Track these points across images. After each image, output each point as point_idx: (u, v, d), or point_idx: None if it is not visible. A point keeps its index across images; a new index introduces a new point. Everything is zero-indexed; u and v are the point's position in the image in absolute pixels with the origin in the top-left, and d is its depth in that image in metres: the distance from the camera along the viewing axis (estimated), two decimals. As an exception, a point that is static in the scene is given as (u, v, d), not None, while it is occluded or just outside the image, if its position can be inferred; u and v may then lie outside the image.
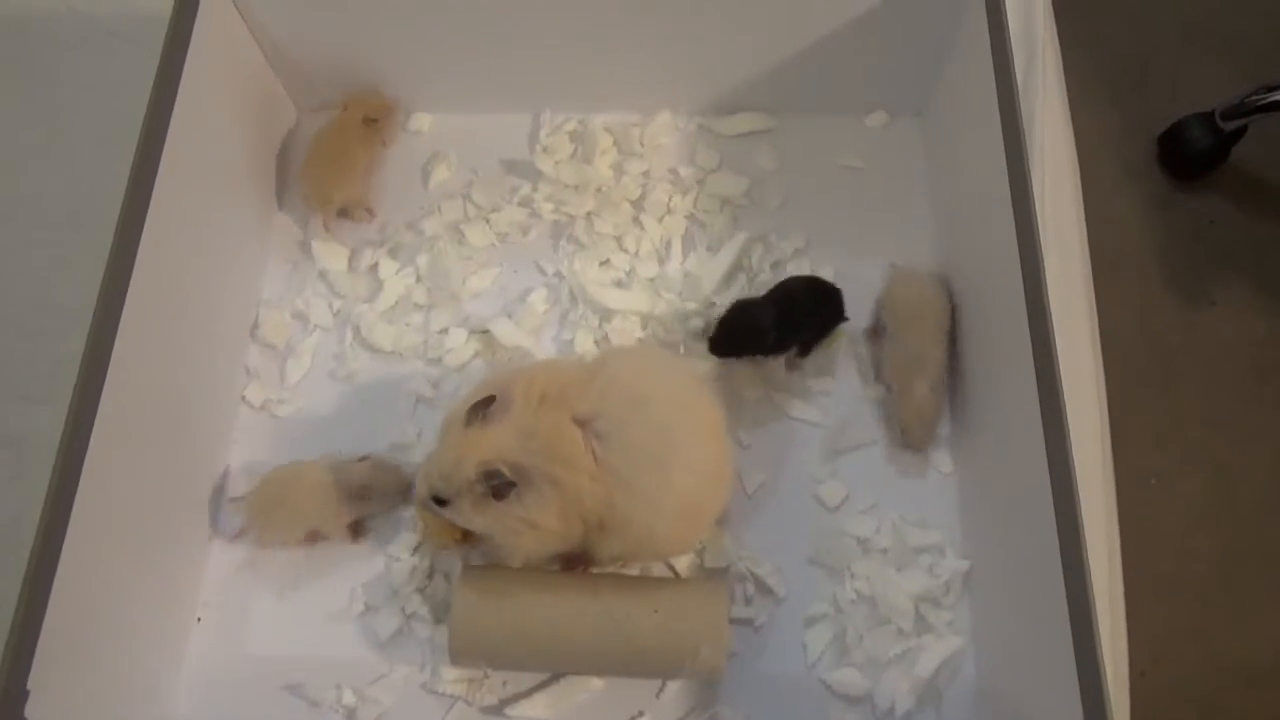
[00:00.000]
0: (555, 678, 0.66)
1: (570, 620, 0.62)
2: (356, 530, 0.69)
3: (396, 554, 0.69)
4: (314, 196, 0.78)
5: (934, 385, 0.70)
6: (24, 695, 0.51)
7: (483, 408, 0.59)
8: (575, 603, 0.62)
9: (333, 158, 0.78)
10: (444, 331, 0.76)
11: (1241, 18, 1.57)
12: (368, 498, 0.68)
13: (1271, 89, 1.37)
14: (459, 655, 0.62)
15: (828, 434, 0.72)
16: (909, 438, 0.70)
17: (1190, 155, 1.47)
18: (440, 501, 0.60)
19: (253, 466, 0.73)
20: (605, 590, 0.63)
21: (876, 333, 0.74)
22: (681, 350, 0.75)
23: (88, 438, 0.57)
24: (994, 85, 0.66)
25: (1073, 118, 0.84)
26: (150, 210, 0.62)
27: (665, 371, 0.63)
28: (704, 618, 0.61)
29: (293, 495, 0.67)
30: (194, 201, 0.68)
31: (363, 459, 0.69)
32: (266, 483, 0.68)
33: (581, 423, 0.59)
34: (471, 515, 0.60)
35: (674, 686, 0.66)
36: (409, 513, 0.70)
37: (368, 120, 0.79)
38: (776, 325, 0.68)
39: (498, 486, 0.57)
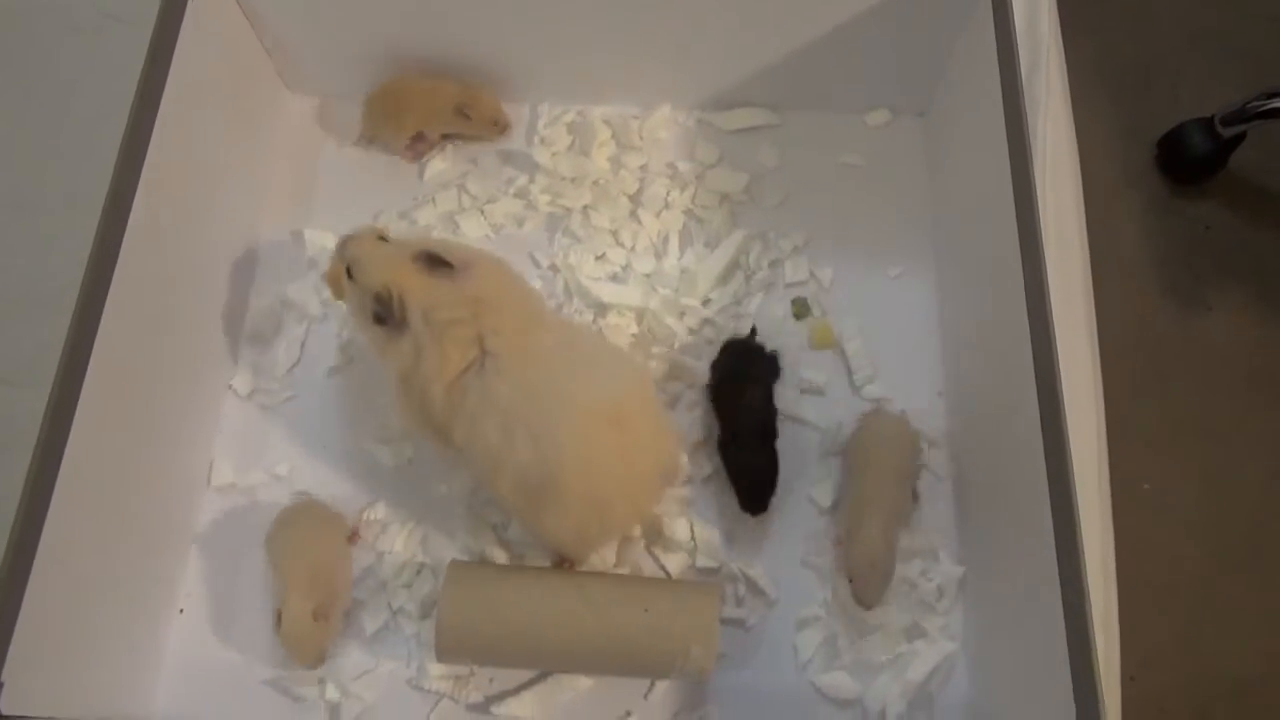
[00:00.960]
0: (542, 676, 0.65)
1: (559, 618, 0.61)
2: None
3: (384, 549, 0.68)
4: (388, 119, 0.78)
5: (886, 528, 0.63)
6: (-2, 687, 0.50)
7: (438, 263, 0.59)
8: (564, 601, 0.61)
9: (418, 89, 0.78)
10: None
11: (1244, 24, 1.57)
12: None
13: (1271, 95, 1.36)
14: (445, 652, 0.61)
15: (821, 436, 0.71)
16: (857, 589, 0.62)
17: (1189, 160, 1.46)
18: (350, 275, 0.61)
19: (238, 457, 0.71)
20: (595, 588, 0.62)
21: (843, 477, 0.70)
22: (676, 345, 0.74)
23: (69, 424, 0.56)
24: (999, 86, 0.65)
25: (1073, 120, 0.83)
26: (137, 193, 0.61)
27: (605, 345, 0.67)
28: (695, 618, 0.60)
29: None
30: (183, 185, 0.67)
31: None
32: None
33: (482, 345, 0.58)
34: (354, 310, 0.62)
35: (662, 687, 0.65)
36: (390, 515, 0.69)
37: (460, 109, 0.78)
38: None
39: (378, 313, 0.59)
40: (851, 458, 0.68)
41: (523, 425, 0.56)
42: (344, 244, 0.63)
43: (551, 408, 0.56)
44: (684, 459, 0.70)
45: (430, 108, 0.78)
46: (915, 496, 0.68)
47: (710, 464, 0.70)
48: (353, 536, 0.68)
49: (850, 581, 0.63)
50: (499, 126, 0.80)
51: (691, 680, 0.64)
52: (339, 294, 0.65)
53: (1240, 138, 1.43)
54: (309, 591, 0.61)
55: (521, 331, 0.59)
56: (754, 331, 0.71)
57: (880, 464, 0.66)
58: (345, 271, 0.62)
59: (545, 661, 0.64)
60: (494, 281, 0.60)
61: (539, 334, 0.59)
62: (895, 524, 0.64)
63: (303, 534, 0.65)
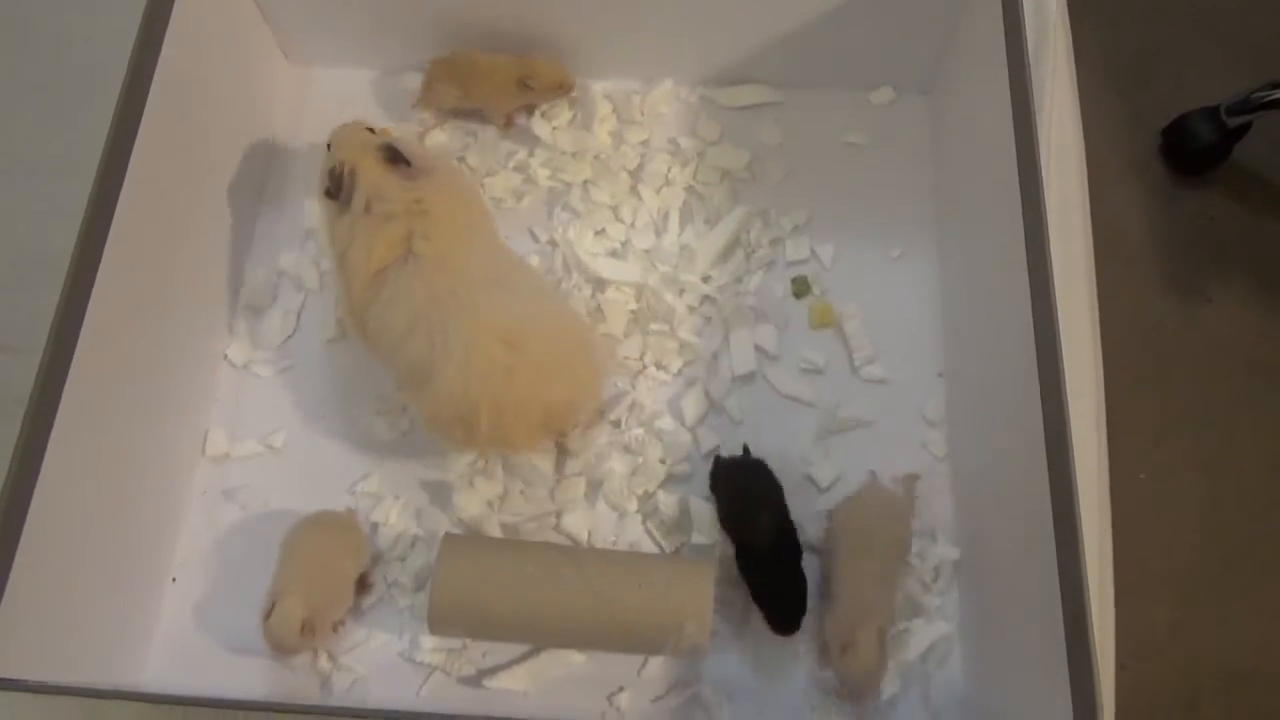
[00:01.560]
0: (535, 651, 0.65)
1: (552, 593, 0.60)
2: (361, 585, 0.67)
3: (380, 519, 0.68)
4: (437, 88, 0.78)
5: (884, 634, 0.60)
6: (-12, 651, 0.50)
7: (398, 159, 0.63)
8: (558, 575, 0.61)
9: (482, 66, 0.77)
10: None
11: (1252, 13, 1.55)
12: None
13: (1278, 85, 1.35)
14: (438, 624, 0.61)
15: (820, 414, 0.71)
16: (851, 695, 0.62)
17: (1194, 150, 1.45)
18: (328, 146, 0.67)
19: (233, 428, 0.71)
20: (589, 563, 0.62)
21: (825, 549, 0.66)
22: (676, 336, 0.73)
23: (60, 391, 0.55)
24: (1005, 66, 0.64)
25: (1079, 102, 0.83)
26: (132, 161, 0.61)
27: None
28: (689, 595, 0.60)
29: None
30: (179, 153, 0.66)
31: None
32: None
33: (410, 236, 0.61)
34: (320, 179, 0.66)
35: (655, 663, 0.65)
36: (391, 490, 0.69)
37: (523, 81, 0.77)
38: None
39: (329, 186, 0.64)
40: (846, 537, 0.64)
41: (424, 325, 0.60)
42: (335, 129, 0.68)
43: (452, 315, 0.60)
44: (603, 410, 0.70)
45: (494, 85, 0.77)
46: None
47: (709, 440, 0.70)
48: (363, 581, 0.66)
49: (841, 683, 0.61)
50: (564, 89, 0.79)
51: (686, 656, 0.64)
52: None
53: (1246, 128, 1.42)
54: (305, 601, 0.60)
55: (451, 243, 0.62)
56: (746, 450, 0.67)
57: (879, 555, 0.62)
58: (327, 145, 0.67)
59: (538, 636, 0.63)
60: (444, 191, 0.64)
61: (465, 250, 0.63)
62: (891, 621, 0.62)
63: (323, 546, 0.64)
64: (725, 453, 0.69)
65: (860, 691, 0.61)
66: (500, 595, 0.61)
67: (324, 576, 0.63)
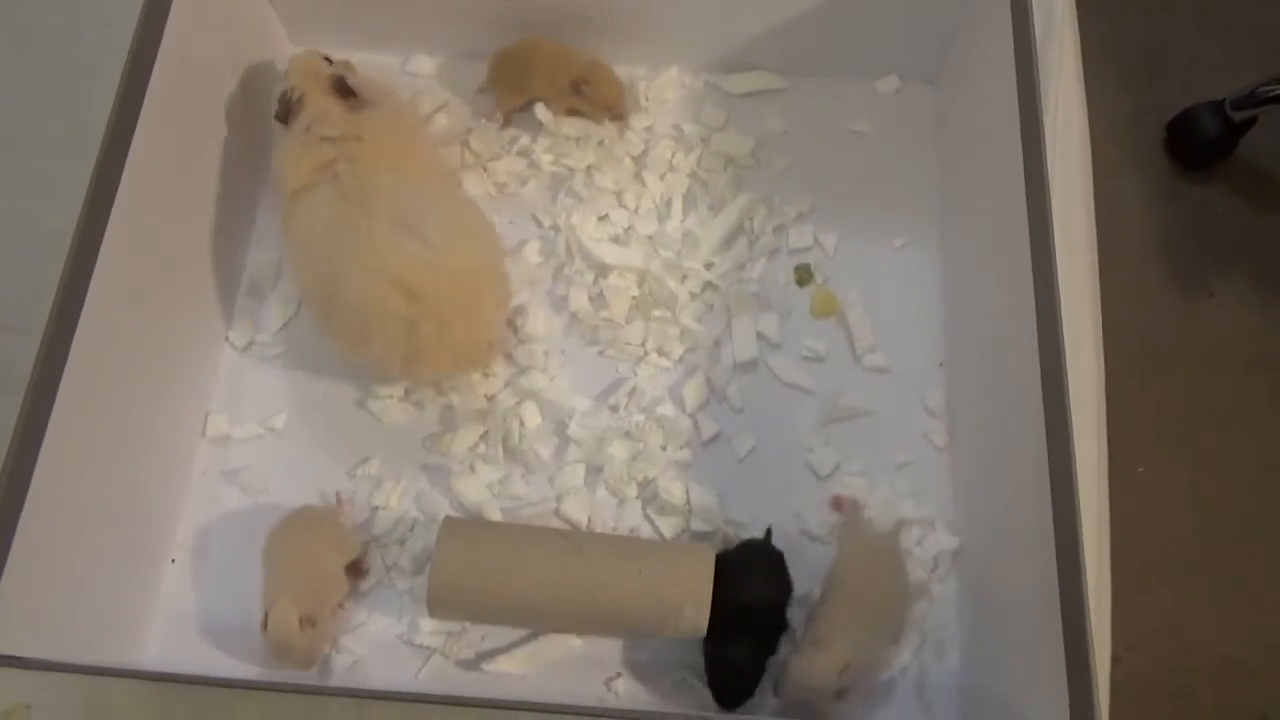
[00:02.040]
0: (533, 635, 0.65)
1: (552, 577, 0.61)
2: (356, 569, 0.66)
3: (380, 503, 0.68)
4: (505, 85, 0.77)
5: (848, 671, 0.58)
6: (-12, 627, 0.50)
7: (347, 92, 0.67)
8: (558, 560, 0.61)
9: (544, 53, 0.76)
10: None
11: (1258, 8, 1.55)
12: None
13: (1283, 80, 1.35)
14: (438, 607, 0.61)
15: (820, 402, 0.71)
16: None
17: (1198, 144, 1.45)
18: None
19: (233, 410, 0.71)
20: (589, 548, 0.62)
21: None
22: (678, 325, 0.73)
23: (61, 370, 0.55)
24: (1011, 55, 0.64)
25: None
26: (134, 141, 0.61)
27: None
28: (688, 580, 0.60)
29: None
30: (181, 134, 0.66)
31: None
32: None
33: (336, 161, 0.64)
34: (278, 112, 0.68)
35: (653, 648, 0.65)
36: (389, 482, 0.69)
37: (578, 83, 0.76)
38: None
39: (278, 110, 0.67)
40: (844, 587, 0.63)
41: (323, 252, 0.63)
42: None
43: (346, 250, 0.62)
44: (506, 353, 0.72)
45: (551, 75, 0.76)
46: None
47: (709, 427, 0.70)
48: (356, 567, 0.66)
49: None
50: (613, 113, 0.77)
51: (684, 636, 0.64)
52: None
53: (1250, 122, 1.42)
54: (297, 600, 0.60)
55: (372, 175, 0.63)
56: (769, 534, 0.65)
57: (863, 626, 0.60)
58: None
59: (537, 620, 0.64)
60: (384, 126, 0.66)
61: (387, 185, 0.63)
62: (869, 664, 0.60)
63: (304, 545, 0.63)
64: (726, 441, 0.69)
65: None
66: (499, 579, 0.61)
67: (310, 574, 0.62)
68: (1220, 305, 1.40)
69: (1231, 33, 1.54)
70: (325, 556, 0.63)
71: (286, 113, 0.67)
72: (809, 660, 0.58)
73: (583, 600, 0.60)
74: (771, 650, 0.62)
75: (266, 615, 0.60)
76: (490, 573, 0.61)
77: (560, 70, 0.76)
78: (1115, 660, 0.68)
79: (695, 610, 0.59)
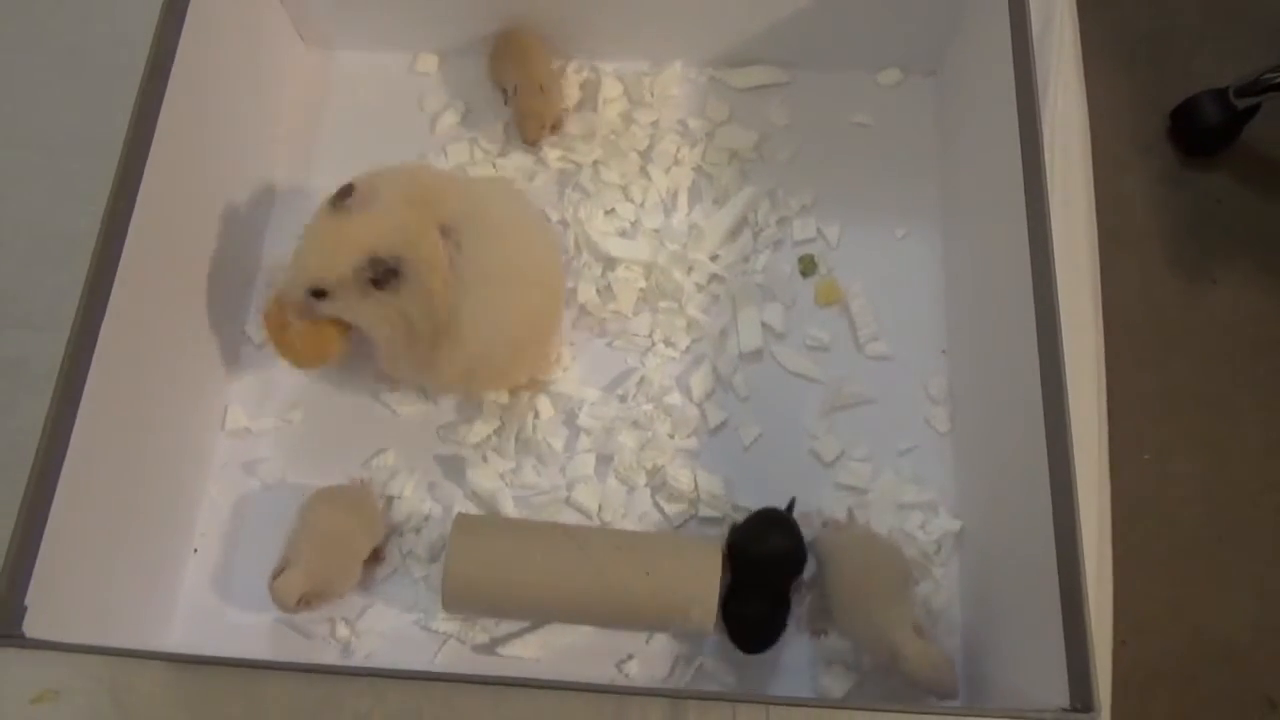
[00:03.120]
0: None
1: (563, 577, 0.62)
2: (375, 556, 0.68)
3: (396, 493, 0.70)
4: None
5: (919, 627, 0.60)
6: (22, 610, 0.52)
7: (343, 197, 0.61)
8: (568, 559, 0.62)
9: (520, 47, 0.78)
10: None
11: (1262, -5, 1.55)
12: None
13: (1287, 67, 1.35)
14: (452, 605, 0.63)
15: (824, 390, 0.72)
16: (933, 688, 0.59)
17: (1202, 131, 1.45)
18: (319, 294, 0.62)
19: (252, 403, 0.73)
20: (599, 548, 0.63)
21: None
22: (684, 312, 0.75)
23: (87, 366, 0.57)
24: (1009, 47, 0.65)
25: (1085, 88, 0.83)
26: (155, 138, 0.62)
27: (517, 199, 0.70)
28: (696, 583, 0.61)
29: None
30: (199, 135, 0.68)
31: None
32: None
33: (444, 230, 0.61)
34: (355, 303, 0.62)
35: (664, 635, 0.66)
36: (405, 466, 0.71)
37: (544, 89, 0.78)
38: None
39: (383, 274, 0.60)
40: (842, 576, 0.64)
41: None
42: (280, 297, 0.65)
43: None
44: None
45: (526, 78, 0.77)
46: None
47: (716, 416, 0.71)
48: (376, 554, 0.68)
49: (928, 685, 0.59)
50: (553, 128, 0.79)
51: (691, 636, 0.65)
52: (318, 345, 0.66)
53: (1254, 110, 1.42)
54: (311, 573, 0.62)
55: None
56: (791, 505, 0.67)
57: (882, 588, 0.62)
58: (313, 296, 0.62)
59: (548, 615, 0.65)
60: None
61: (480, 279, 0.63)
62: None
63: (338, 522, 0.65)
64: (733, 429, 0.71)
65: (939, 684, 0.59)
66: (510, 579, 0.62)
67: (335, 551, 0.64)
68: (1225, 292, 1.41)
69: (1234, 20, 1.54)
70: (355, 540, 0.65)
71: (393, 276, 0.61)
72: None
73: (591, 600, 0.62)
74: (786, 601, 0.64)
75: (280, 571, 0.62)
76: (501, 573, 0.62)
77: (537, 71, 0.77)
78: (1122, 644, 0.69)
79: (701, 612, 0.61)
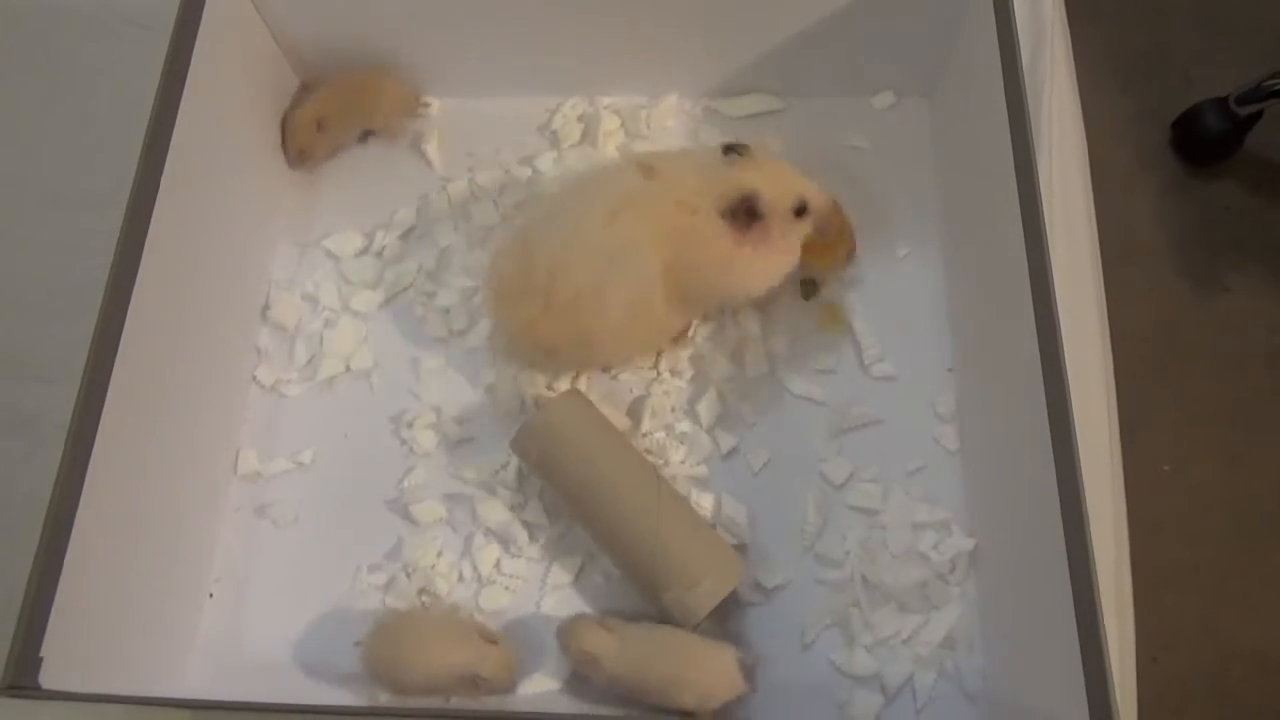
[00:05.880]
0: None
1: (628, 476, 0.65)
2: None
3: (409, 528, 0.70)
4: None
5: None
6: (38, 662, 0.52)
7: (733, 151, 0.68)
8: (641, 472, 0.66)
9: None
10: (447, 311, 0.77)
11: (1259, 6, 1.56)
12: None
13: (1287, 74, 1.35)
14: (528, 439, 0.66)
15: (830, 412, 0.72)
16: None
17: (1205, 141, 1.46)
18: (801, 210, 0.69)
19: (263, 446, 0.73)
20: (668, 490, 0.66)
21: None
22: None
23: (98, 416, 0.57)
24: (999, 67, 0.66)
25: (1085, 103, 0.83)
26: (160, 191, 0.63)
27: None
28: (721, 565, 0.63)
29: None
30: (204, 181, 0.69)
31: None
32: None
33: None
34: (782, 229, 0.68)
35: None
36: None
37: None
38: None
39: (799, 209, 0.68)
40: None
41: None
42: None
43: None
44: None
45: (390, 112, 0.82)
46: None
47: (726, 441, 0.71)
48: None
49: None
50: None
51: (677, 622, 0.64)
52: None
53: (1256, 117, 1.42)
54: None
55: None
56: None
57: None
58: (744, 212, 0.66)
59: (594, 504, 0.65)
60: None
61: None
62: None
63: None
64: (742, 455, 0.71)
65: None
66: (586, 451, 0.66)
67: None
68: (1237, 299, 1.40)
69: (1233, 29, 1.55)
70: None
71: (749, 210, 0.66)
72: None
73: (635, 514, 0.64)
74: None
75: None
76: (586, 436, 0.66)
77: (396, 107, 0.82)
78: (1153, 661, 0.68)
79: (708, 591, 0.62)
